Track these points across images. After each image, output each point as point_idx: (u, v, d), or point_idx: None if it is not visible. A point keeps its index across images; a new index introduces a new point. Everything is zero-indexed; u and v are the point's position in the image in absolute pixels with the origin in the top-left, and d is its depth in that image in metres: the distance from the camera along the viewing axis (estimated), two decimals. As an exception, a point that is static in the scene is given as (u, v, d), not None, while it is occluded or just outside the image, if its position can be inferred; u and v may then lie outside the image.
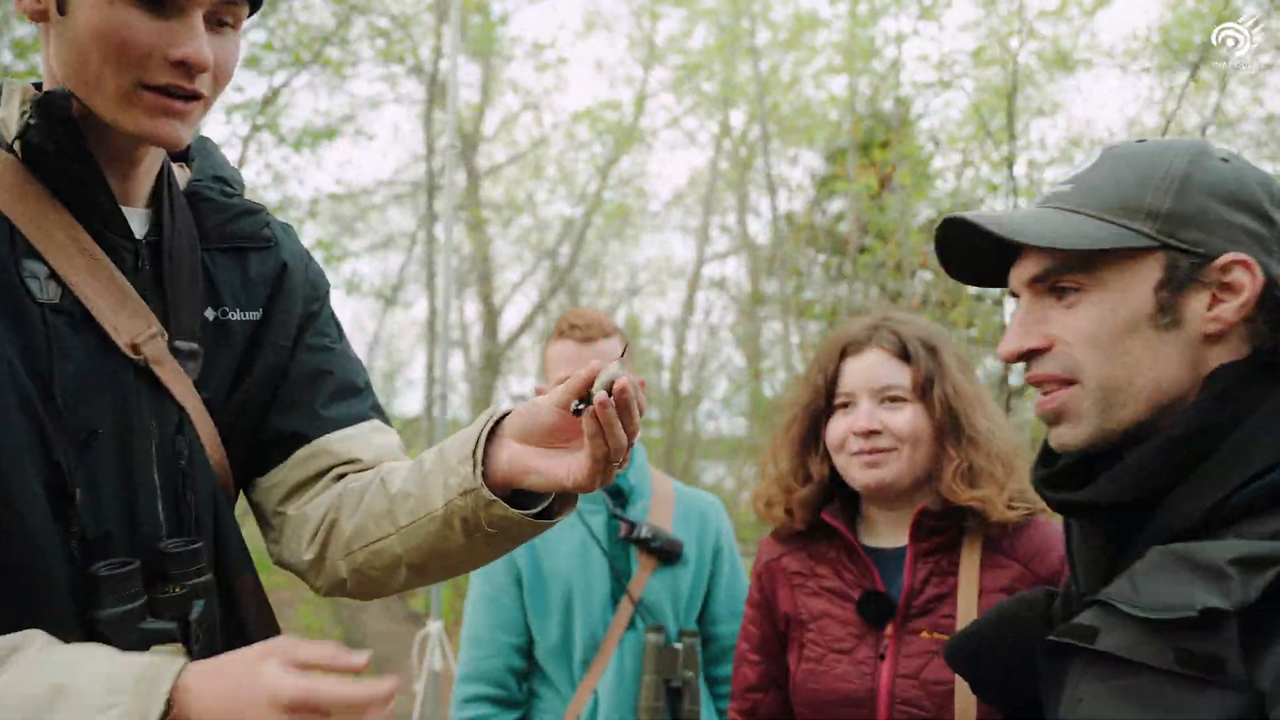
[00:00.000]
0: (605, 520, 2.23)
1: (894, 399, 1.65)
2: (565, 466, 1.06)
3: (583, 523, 2.22)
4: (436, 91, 10.24)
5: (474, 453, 1.08)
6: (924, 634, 1.58)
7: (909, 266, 4.98)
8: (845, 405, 1.68)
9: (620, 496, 2.25)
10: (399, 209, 12.76)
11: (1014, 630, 1.07)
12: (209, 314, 1.16)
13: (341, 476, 1.23)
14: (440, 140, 10.89)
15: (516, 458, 1.09)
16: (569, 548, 2.20)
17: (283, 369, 1.23)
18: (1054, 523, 1.63)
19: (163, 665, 0.88)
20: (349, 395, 1.27)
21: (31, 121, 1.02)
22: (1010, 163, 3.41)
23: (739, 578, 2.36)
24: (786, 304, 7.62)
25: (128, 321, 1.07)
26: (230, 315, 1.18)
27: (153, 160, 1.13)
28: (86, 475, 1.02)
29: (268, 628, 1.20)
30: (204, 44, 1.00)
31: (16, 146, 1.04)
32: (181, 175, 1.20)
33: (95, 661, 0.90)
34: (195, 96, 1.03)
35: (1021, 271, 1.02)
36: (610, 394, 1.01)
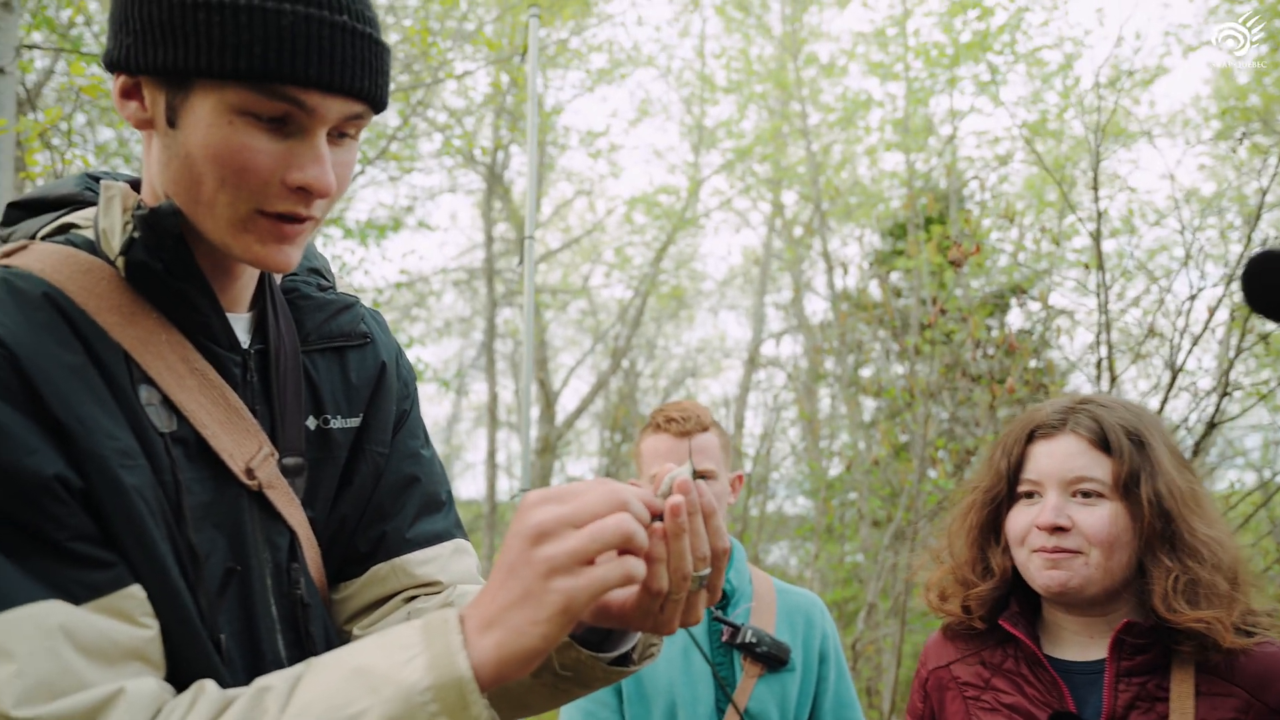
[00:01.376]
0: (706, 624, 2.14)
1: (1088, 494, 1.44)
2: (620, 598, 0.91)
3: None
4: (494, 181, 10.46)
5: None
6: None
7: (985, 343, 4.87)
8: (1030, 495, 1.49)
9: (721, 598, 2.16)
10: (457, 295, 12.97)
11: None
12: (310, 423, 1.08)
13: (413, 598, 1.13)
14: (497, 228, 11.10)
15: None
16: (669, 654, 2.11)
17: (378, 476, 1.15)
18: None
19: (440, 616, 0.84)
20: (433, 510, 1.19)
21: (136, 237, 0.94)
22: (1097, 229, 3.33)
23: (846, 683, 2.24)
24: (847, 382, 7.51)
25: (240, 444, 1.00)
26: (332, 424, 1.10)
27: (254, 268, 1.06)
28: (225, 618, 0.95)
29: None
30: (328, 168, 0.93)
31: (120, 262, 0.95)
32: (275, 275, 1.13)
33: (366, 647, 0.85)
34: (307, 219, 0.95)
35: None
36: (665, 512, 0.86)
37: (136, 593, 0.87)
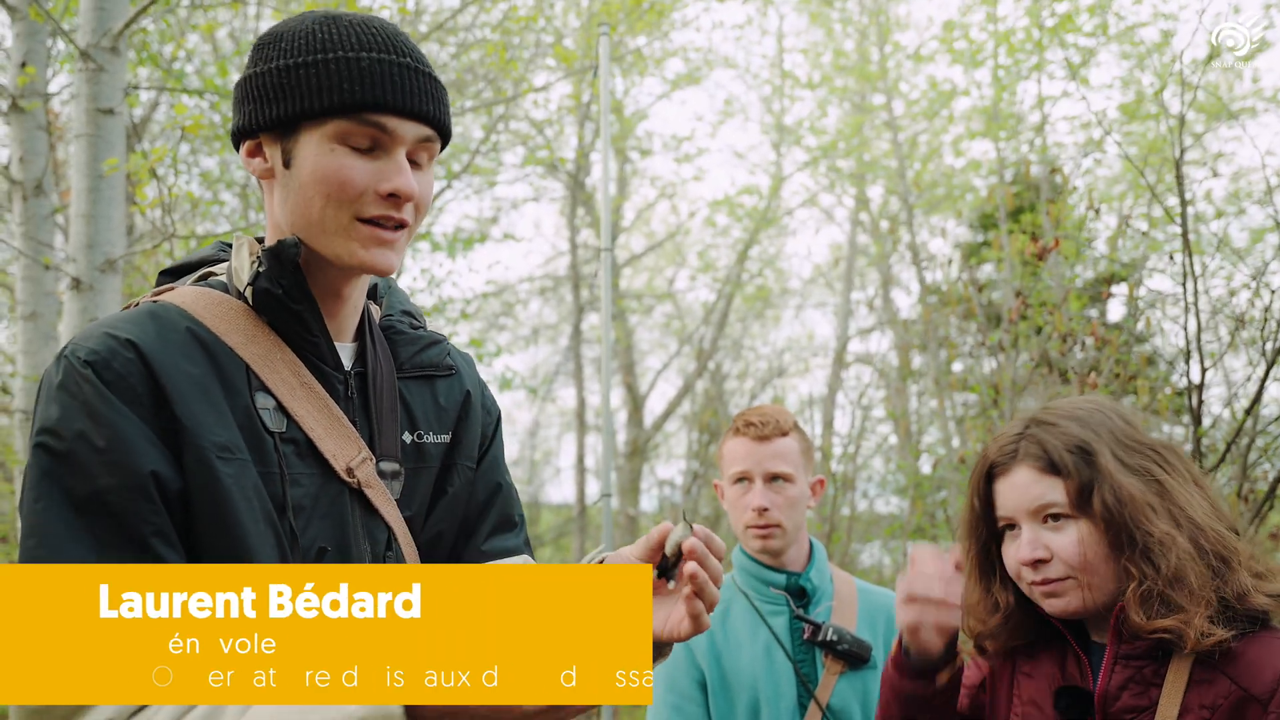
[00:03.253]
0: (788, 622, 2.17)
1: (1056, 516, 1.47)
2: (661, 619, 1.11)
3: (765, 625, 2.17)
4: (577, 188, 10.61)
5: None
6: None
7: (1075, 336, 4.75)
8: (1012, 527, 1.52)
9: (803, 596, 2.19)
10: (543, 303, 13.17)
11: None
12: (406, 438, 1.26)
13: None
14: (581, 234, 11.25)
15: None
16: (753, 651, 2.15)
17: (470, 490, 1.32)
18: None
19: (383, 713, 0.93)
20: (508, 529, 1.36)
21: (261, 269, 1.15)
22: (1183, 217, 3.23)
23: (930, 681, 2.24)
24: (939, 378, 7.39)
25: (342, 447, 1.17)
26: (425, 438, 1.28)
27: (358, 298, 1.25)
28: None
29: None
30: (409, 177, 1.14)
31: (248, 293, 1.17)
32: (375, 311, 1.33)
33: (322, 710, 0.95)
34: (401, 225, 1.16)
35: None
36: (684, 558, 1.09)
37: None
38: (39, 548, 1.01)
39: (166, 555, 1.03)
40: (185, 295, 1.17)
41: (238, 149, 1.22)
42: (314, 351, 1.19)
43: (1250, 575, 1.40)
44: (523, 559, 1.35)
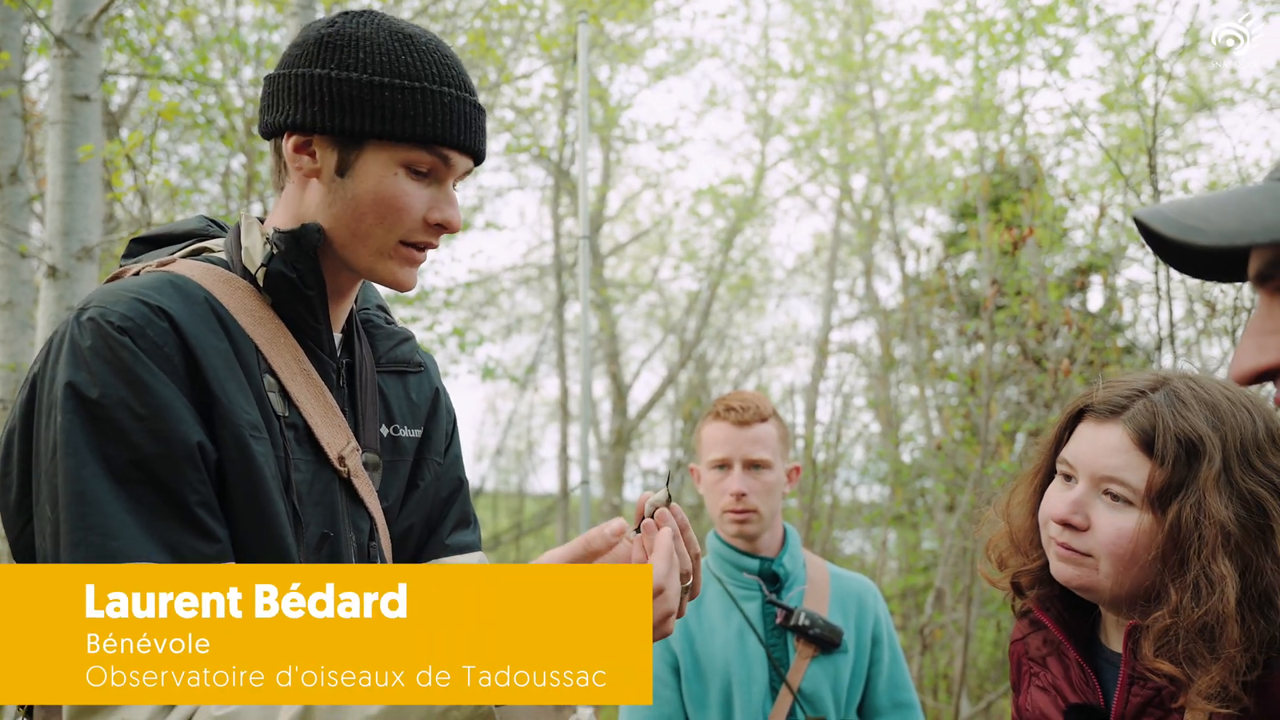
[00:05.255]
0: (761, 606, 2.19)
1: (1116, 497, 1.28)
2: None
3: (738, 609, 2.19)
4: (561, 177, 10.59)
5: None
6: None
7: (1051, 325, 4.79)
8: (1068, 477, 1.34)
9: (776, 581, 2.21)
10: (527, 292, 13.14)
11: None
12: (384, 431, 1.29)
13: None
14: (565, 224, 11.23)
15: None
16: (725, 635, 2.17)
17: (437, 485, 1.35)
18: None
19: None
20: (465, 525, 1.39)
21: (275, 251, 1.17)
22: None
23: (900, 665, 2.27)
24: (920, 367, 7.43)
25: (335, 435, 1.19)
26: (400, 432, 1.31)
27: (354, 294, 1.27)
28: None
29: None
30: (458, 210, 1.21)
31: (258, 274, 1.18)
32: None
33: None
34: (432, 248, 1.22)
35: (1250, 267, 0.76)
36: (653, 519, 1.09)
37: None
38: (90, 515, 0.98)
39: (211, 526, 1.04)
40: (195, 269, 1.16)
41: (271, 137, 1.22)
42: (315, 339, 1.21)
43: None
44: (479, 556, 1.39)
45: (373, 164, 1.15)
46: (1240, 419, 1.26)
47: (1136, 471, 1.25)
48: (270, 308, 1.18)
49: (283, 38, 5.74)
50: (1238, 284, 3.23)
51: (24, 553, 1.06)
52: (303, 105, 1.17)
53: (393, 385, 1.32)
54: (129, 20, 5.36)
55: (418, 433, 1.33)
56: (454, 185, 1.23)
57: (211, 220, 1.31)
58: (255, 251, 1.19)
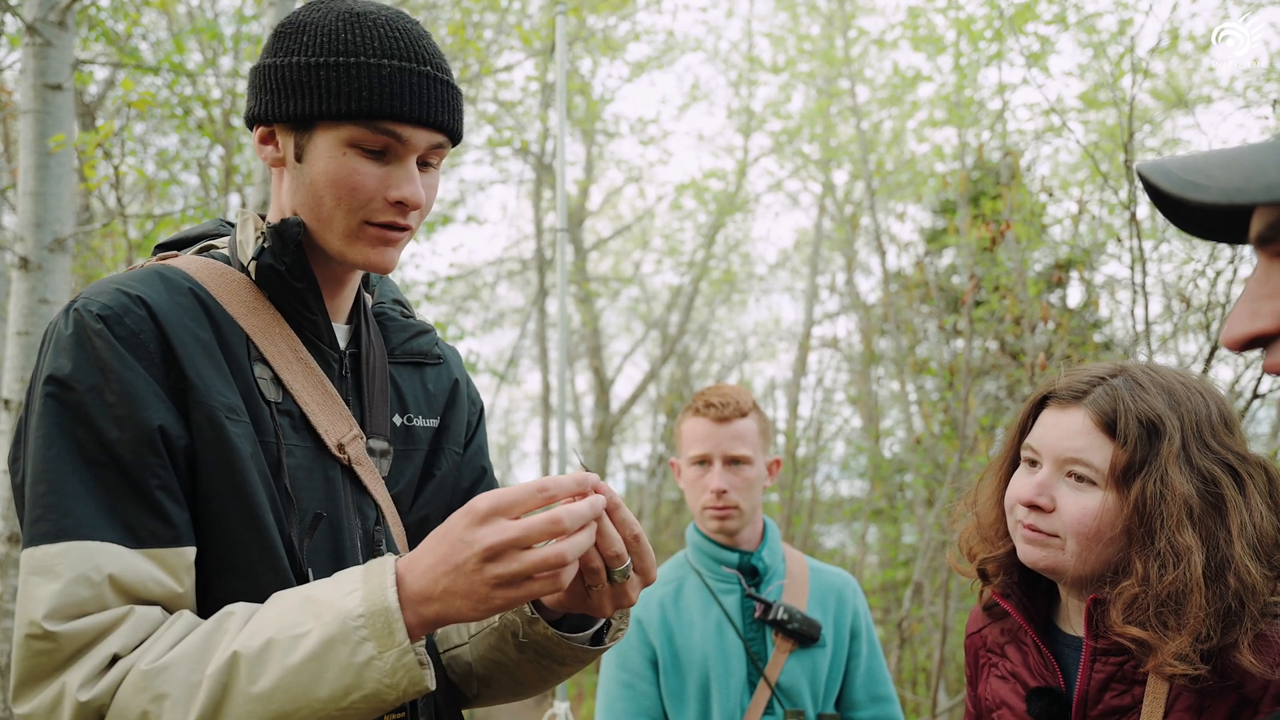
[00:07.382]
0: (739, 600, 2.19)
1: (1081, 478, 1.32)
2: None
3: (717, 603, 2.19)
4: (544, 171, 10.56)
5: None
6: None
7: (1029, 320, 4.82)
8: (1033, 463, 1.38)
9: (754, 575, 2.21)
10: (510, 286, 13.12)
11: None
12: (397, 420, 1.30)
13: None
14: (547, 218, 11.20)
15: None
16: (704, 629, 2.17)
17: (456, 475, 1.36)
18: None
19: (379, 560, 1.03)
20: None
21: (265, 245, 1.18)
22: (1131, 201, 3.29)
23: (878, 659, 2.28)
24: (901, 362, 7.46)
25: (334, 423, 1.21)
26: (415, 421, 1.32)
27: (353, 283, 1.28)
28: (312, 555, 1.15)
29: (453, 704, 1.33)
30: (418, 186, 1.17)
31: (251, 267, 1.20)
32: (368, 299, 1.37)
33: (319, 583, 1.04)
34: (405, 228, 1.19)
35: (1252, 228, 0.74)
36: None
37: (188, 554, 1.07)
38: (50, 494, 1.03)
39: (169, 509, 1.06)
40: (190, 263, 1.19)
41: (251, 130, 1.24)
42: (311, 329, 1.22)
43: (1253, 638, 1.22)
44: None
45: (321, 146, 1.15)
46: (1195, 402, 1.32)
47: (1099, 452, 1.30)
48: (267, 299, 1.20)
49: (262, 28, 5.68)
50: (1216, 276, 3.25)
51: None
52: (260, 96, 1.19)
53: (407, 376, 1.34)
54: (104, 9, 5.30)
55: (434, 422, 1.34)
56: (436, 165, 1.21)
57: (227, 222, 1.34)
58: (248, 245, 1.22)
